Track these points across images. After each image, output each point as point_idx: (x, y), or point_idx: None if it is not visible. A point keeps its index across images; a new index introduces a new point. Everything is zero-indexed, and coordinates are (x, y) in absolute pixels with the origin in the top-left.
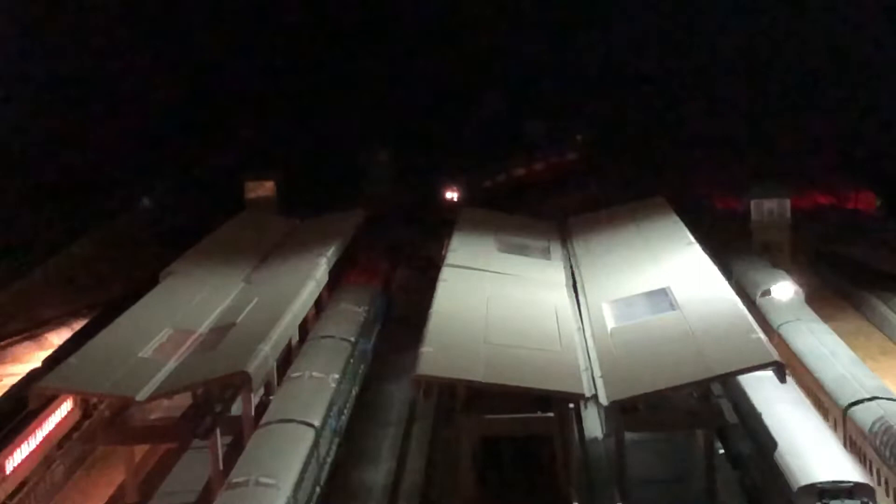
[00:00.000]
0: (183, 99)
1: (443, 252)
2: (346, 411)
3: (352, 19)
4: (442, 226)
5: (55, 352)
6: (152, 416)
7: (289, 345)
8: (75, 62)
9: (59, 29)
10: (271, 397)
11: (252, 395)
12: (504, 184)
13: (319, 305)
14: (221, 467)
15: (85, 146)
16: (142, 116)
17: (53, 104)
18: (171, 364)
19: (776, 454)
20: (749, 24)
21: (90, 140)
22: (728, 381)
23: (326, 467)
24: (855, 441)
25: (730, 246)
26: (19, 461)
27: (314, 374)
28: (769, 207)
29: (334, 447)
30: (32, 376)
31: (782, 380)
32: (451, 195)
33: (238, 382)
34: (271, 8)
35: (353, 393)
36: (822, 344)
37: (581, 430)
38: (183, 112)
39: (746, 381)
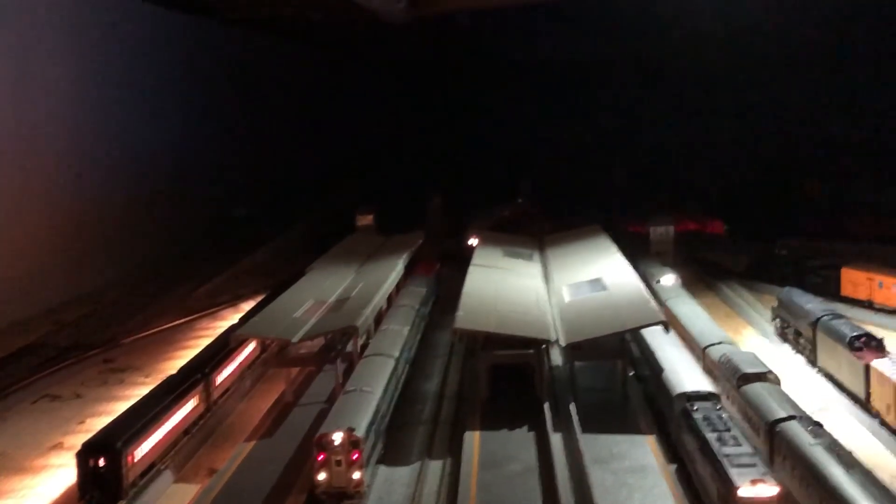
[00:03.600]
0: (329, 173)
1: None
2: (413, 348)
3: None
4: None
5: (246, 314)
6: (301, 351)
7: (380, 310)
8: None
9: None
10: (370, 340)
11: (358, 339)
12: (506, 217)
13: (398, 287)
14: (341, 381)
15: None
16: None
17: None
18: (313, 320)
19: (663, 375)
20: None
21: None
22: (635, 332)
23: (401, 381)
24: (709, 368)
25: (637, 253)
26: (225, 377)
27: (394, 326)
28: (661, 231)
29: (406, 369)
30: (232, 328)
31: (667, 331)
32: (473, 241)
33: (351, 332)
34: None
35: (417, 337)
36: (691, 311)
37: (549, 359)
38: (327, 178)
39: (646, 332)
